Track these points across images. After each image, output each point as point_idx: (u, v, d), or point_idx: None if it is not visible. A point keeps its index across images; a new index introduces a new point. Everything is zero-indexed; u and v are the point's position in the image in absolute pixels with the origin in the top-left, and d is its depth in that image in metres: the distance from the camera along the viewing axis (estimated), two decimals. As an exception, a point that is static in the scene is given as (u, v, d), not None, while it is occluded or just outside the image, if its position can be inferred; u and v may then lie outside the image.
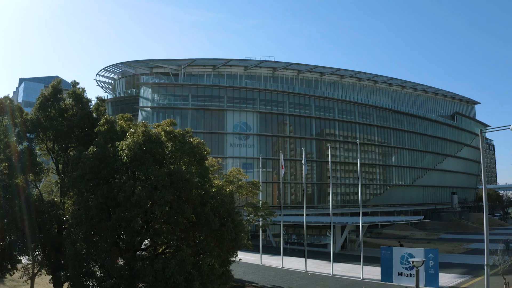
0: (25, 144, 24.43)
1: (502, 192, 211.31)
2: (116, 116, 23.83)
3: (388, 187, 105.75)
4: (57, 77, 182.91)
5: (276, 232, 65.04)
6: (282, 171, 45.47)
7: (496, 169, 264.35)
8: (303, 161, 42.66)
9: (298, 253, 54.87)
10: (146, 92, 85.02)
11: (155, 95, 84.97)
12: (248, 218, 33.56)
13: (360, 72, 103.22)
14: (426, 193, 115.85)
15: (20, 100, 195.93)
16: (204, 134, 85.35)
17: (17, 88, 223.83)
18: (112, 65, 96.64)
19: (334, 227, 53.97)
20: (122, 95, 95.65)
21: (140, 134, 20.03)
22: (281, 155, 45.95)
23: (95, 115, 25.18)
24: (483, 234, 29.64)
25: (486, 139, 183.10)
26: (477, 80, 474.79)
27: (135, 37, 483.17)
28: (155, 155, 20.13)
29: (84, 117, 23.96)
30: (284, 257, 49.21)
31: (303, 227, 46.93)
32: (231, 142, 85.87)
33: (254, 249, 48.79)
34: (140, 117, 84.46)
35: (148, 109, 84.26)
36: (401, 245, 53.25)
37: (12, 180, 23.09)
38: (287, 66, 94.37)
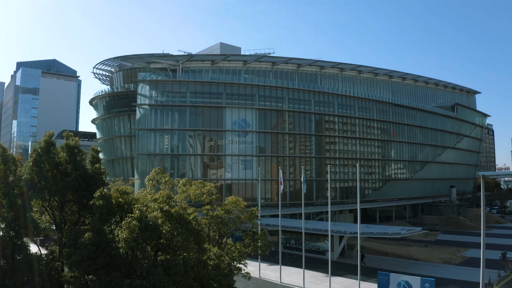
0: (21, 201, 24.03)
1: (501, 179, 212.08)
2: (111, 190, 23.37)
3: (387, 181, 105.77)
4: (54, 60, 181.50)
5: (275, 230, 65.06)
6: (281, 187, 45.20)
7: (495, 154, 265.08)
8: (302, 179, 42.35)
9: (297, 261, 55.11)
10: (143, 89, 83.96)
11: (153, 92, 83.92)
12: (246, 250, 33.44)
13: (360, 65, 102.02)
14: (425, 186, 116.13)
15: (18, 83, 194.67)
16: (203, 132, 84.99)
17: (15, 72, 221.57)
18: (109, 59, 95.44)
19: (332, 236, 54.44)
20: (119, 90, 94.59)
21: (136, 223, 19.63)
22: (280, 172, 45.60)
23: (89, 167, 24.69)
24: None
25: (486, 127, 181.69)
26: (478, 69, 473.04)
27: (137, 22, 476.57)
28: (152, 241, 19.82)
29: (79, 178, 23.50)
30: (283, 267, 49.57)
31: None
32: (230, 139, 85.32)
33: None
34: (138, 115, 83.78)
35: (146, 106, 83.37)
36: (363, 256, 53.33)
37: (17, 236, 22.88)
38: (287, 61, 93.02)
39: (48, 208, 24.67)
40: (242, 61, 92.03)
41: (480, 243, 55.10)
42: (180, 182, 43.85)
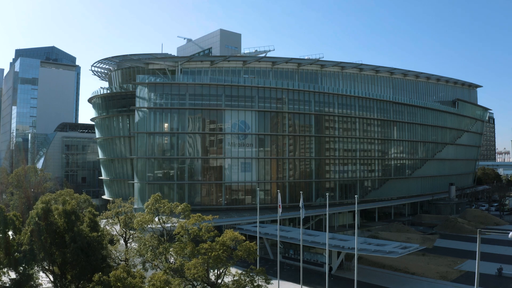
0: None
1: (501, 169, 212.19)
2: (110, 275, 23.30)
3: (387, 180, 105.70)
4: (53, 47, 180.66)
5: (273, 238, 65.28)
6: (280, 210, 45.38)
7: (495, 141, 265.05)
8: (300, 205, 42.39)
9: (295, 273, 55.58)
10: (142, 92, 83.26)
11: (152, 94, 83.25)
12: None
13: (362, 64, 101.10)
14: (424, 183, 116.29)
15: (17, 69, 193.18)
16: (202, 135, 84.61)
17: (14, 60, 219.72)
18: (107, 58, 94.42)
19: (330, 250, 55.02)
20: (118, 90, 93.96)
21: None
22: (279, 195, 45.65)
23: (86, 231, 24.67)
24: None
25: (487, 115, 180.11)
26: (479, 63, 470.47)
27: (138, 5, 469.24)
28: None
29: (78, 251, 23.53)
30: (281, 282, 50.07)
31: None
32: (229, 141, 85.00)
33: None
34: (137, 118, 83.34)
35: (145, 109, 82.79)
36: (331, 268, 53.86)
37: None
38: (287, 60, 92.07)
39: (49, 275, 24.80)
40: (242, 61, 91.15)
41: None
42: (179, 207, 44.07)
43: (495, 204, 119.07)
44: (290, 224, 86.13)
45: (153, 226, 43.16)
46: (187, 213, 43.86)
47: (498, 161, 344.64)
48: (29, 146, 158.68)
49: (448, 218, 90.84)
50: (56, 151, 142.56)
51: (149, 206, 42.46)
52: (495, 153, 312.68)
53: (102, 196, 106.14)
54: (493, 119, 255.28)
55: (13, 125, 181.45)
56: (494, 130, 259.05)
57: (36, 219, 24.88)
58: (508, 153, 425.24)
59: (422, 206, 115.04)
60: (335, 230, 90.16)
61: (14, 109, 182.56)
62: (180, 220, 43.29)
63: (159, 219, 43.03)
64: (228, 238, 34.51)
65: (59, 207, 25.55)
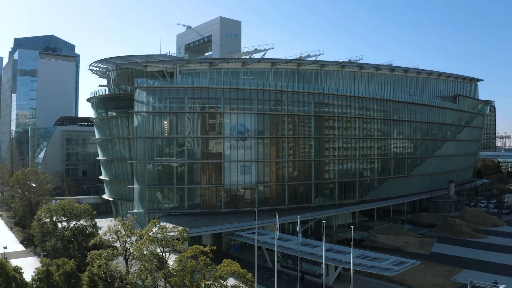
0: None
1: (502, 159, 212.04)
2: None
3: (386, 179, 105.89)
4: (52, 36, 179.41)
5: (271, 248, 65.84)
6: (277, 232, 45.73)
7: (495, 131, 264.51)
8: (297, 229, 42.71)
9: (293, 284, 56.44)
10: (140, 96, 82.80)
11: (150, 98, 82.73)
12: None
13: (362, 63, 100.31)
14: (424, 181, 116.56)
15: (16, 64, 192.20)
16: (201, 138, 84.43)
17: (12, 49, 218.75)
18: (105, 59, 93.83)
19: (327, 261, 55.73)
20: (117, 91, 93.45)
21: None
22: (276, 217, 45.93)
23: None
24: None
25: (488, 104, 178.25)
26: (480, 57, 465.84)
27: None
28: None
29: None
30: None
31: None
32: (228, 144, 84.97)
33: (250, 267, 49.36)
34: (135, 122, 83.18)
35: (144, 113, 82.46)
36: (303, 277, 54.43)
37: None
38: (287, 61, 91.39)
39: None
40: (241, 62, 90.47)
41: (475, 259, 57.32)
42: (178, 229, 44.48)
43: (494, 201, 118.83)
44: (289, 226, 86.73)
45: (152, 250, 43.47)
46: (186, 236, 44.34)
47: (499, 145, 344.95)
48: (29, 140, 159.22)
49: (446, 219, 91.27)
50: (56, 145, 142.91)
51: (147, 232, 42.81)
52: (495, 137, 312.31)
53: (103, 196, 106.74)
54: (494, 107, 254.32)
55: (13, 117, 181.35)
56: (495, 119, 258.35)
57: (38, 283, 25.22)
58: (508, 137, 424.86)
59: (421, 203, 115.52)
60: (334, 231, 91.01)
61: (14, 100, 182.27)
62: (179, 242, 43.65)
63: (158, 244, 43.38)
64: (226, 273, 34.86)
65: (59, 262, 25.83)
